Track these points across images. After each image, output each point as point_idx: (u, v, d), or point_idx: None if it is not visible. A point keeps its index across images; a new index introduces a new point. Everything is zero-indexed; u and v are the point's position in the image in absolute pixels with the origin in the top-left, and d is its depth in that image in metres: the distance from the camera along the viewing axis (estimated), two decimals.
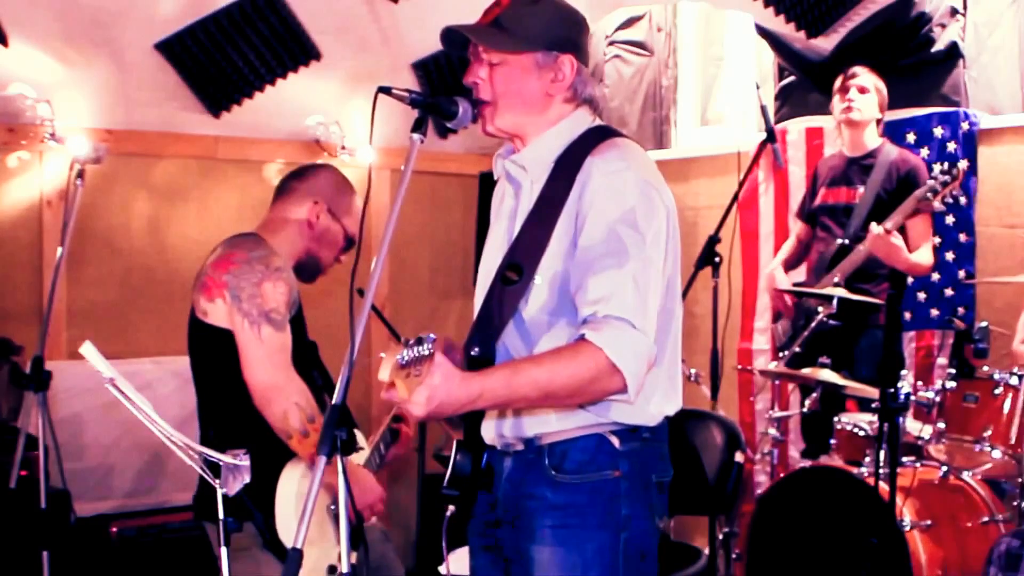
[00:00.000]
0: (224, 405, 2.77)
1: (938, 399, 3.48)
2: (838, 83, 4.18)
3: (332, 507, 2.73)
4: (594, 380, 1.90)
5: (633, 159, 2.06)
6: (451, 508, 2.19)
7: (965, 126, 4.21)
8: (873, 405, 3.36)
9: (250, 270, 2.71)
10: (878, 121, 4.18)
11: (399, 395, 1.75)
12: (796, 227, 4.50)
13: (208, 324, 2.74)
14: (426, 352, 1.73)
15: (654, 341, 2.01)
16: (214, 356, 2.75)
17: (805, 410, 3.99)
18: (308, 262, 2.94)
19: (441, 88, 4.89)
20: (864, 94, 4.12)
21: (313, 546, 2.60)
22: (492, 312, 2.10)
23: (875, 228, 3.91)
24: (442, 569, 2.98)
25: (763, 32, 4.76)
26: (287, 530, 2.64)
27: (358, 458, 2.87)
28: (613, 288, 1.94)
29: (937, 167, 4.08)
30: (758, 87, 4.44)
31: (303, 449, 2.66)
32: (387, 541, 3.08)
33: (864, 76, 4.14)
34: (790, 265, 4.47)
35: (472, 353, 2.09)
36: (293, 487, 2.68)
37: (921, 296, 4.33)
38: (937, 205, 3.89)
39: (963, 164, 3.89)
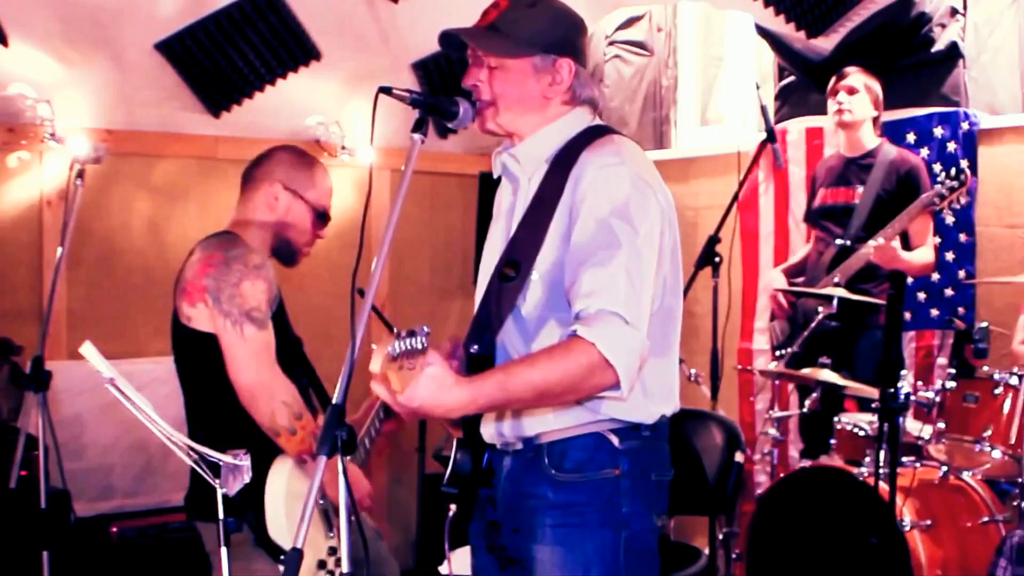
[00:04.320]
0: (211, 406, 2.77)
1: (938, 399, 3.47)
2: (830, 86, 4.18)
3: (321, 502, 2.73)
4: (587, 376, 1.88)
5: (628, 155, 2.05)
6: (453, 507, 2.18)
7: (965, 126, 4.21)
8: (873, 405, 3.36)
9: (228, 271, 2.70)
10: (875, 120, 4.18)
11: (392, 386, 1.74)
12: (812, 234, 4.43)
13: (192, 329, 2.73)
14: (419, 346, 1.70)
15: (657, 338, 2.00)
16: (200, 359, 2.75)
17: (805, 410, 3.99)
18: (281, 247, 2.89)
19: (441, 88, 4.89)
20: (854, 95, 4.11)
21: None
22: (491, 309, 2.10)
23: (874, 242, 3.90)
24: (443, 569, 2.98)
25: (763, 32, 4.76)
26: (276, 527, 2.64)
27: None
28: (605, 282, 1.93)
29: (938, 167, 4.08)
30: (758, 87, 4.43)
31: (291, 447, 2.66)
32: (379, 539, 3.08)
33: (854, 76, 4.13)
34: (793, 272, 4.44)
35: (472, 351, 2.09)
36: (282, 484, 2.68)
37: (921, 296, 4.33)
38: (946, 212, 3.89)
39: (969, 172, 3.87)
